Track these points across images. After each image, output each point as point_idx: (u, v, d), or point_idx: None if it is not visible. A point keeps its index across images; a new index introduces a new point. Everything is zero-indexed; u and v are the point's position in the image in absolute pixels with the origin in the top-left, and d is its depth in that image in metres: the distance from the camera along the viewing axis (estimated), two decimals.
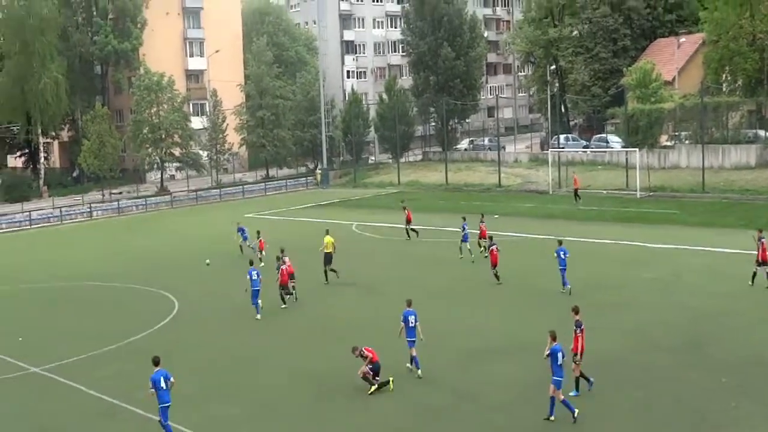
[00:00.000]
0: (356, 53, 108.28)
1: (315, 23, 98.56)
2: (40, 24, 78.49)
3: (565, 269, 30.86)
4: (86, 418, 21.31)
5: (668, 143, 65.91)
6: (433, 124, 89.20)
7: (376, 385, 21.41)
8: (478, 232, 38.51)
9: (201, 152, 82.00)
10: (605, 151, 68.72)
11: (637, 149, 59.64)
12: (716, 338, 24.74)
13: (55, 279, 39.76)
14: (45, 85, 77.79)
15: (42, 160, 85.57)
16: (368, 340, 22.63)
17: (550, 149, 67.83)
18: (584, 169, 65.86)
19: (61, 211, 65.64)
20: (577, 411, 18.91)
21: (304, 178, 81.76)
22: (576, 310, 20.63)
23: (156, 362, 19.13)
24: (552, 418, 18.99)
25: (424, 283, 33.81)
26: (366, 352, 21.53)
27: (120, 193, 77.30)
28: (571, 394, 20.19)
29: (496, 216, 50.81)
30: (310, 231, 48.63)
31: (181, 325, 29.82)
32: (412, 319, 22.53)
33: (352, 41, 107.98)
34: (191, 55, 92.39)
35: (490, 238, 34.33)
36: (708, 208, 50.45)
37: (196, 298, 33.77)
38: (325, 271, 34.78)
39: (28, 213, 65.19)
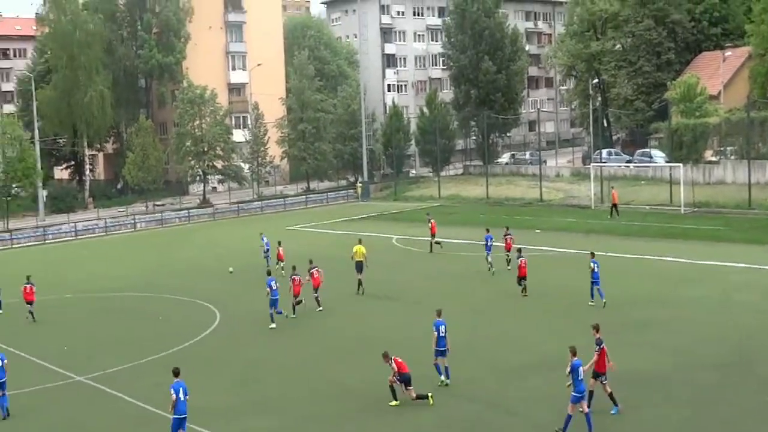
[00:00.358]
0: (397, 67, 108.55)
1: (356, 37, 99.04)
2: (87, 38, 79.92)
3: (596, 282, 30.80)
4: (126, 427, 21.54)
5: (713, 158, 64.95)
6: (474, 137, 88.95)
7: (397, 400, 21.33)
8: (504, 244, 39.05)
9: (243, 165, 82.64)
10: (648, 166, 67.98)
11: (681, 164, 58.87)
12: (765, 357, 24.28)
13: (100, 289, 40.26)
14: (91, 98, 79.08)
15: (87, 172, 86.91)
16: (403, 352, 22.51)
17: (592, 164, 67.25)
18: (627, 184, 65.19)
19: (105, 222, 66.54)
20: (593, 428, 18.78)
21: (345, 191, 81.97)
22: (597, 328, 20.44)
23: (176, 373, 19.46)
24: None
25: (462, 297, 33.70)
26: (394, 364, 21.31)
27: (163, 204, 78.17)
28: (612, 412, 20.00)
29: (538, 231, 50.60)
30: (349, 243, 48.71)
31: (222, 336, 30.01)
32: (442, 329, 22.68)
33: (393, 55, 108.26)
34: (233, 69, 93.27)
35: (518, 250, 34.32)
36: (754, 224, 49.56)
37: (237, 309, 33.96)
38: (358, 282, 35.36)
39: (73, 224, 66.18)
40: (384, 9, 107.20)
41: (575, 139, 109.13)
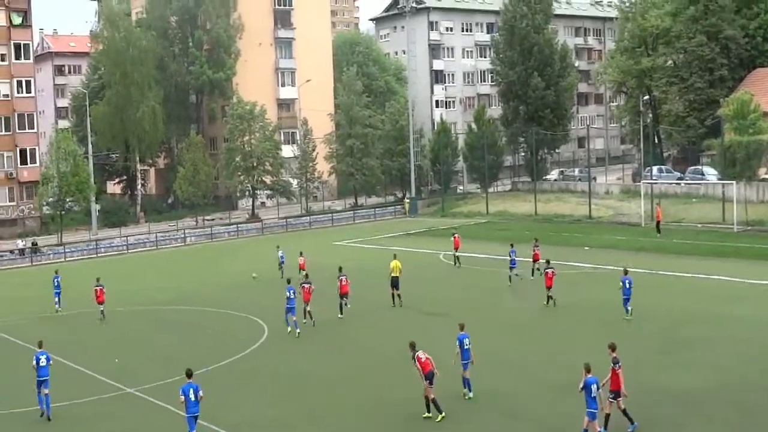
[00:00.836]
0: (445, 83, 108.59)
1: (404, 53, 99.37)
2: (139, 55, 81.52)
3: (628, 299, 31.35)
4: None
5: (767, 176, 63.81)
6: (523, 154, 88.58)
7: (432, 413, 21.43)
8: (532, 255, 40.45)
9: (291, 180, 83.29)
10: (700, 184, 67.00)
11: (734, 182, 57.91)
12: None
13: (151, 302, 40.81)
14: (143, 113, 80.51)
15: (139, 186, 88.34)
16: (444, 367, 22.41)
17: (642, 181, 66.46)
18: (678, 202, 64.31)
19: (156, 236, 67.49)
20: None
21: (392, 207, 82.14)
22: (613, 347, 20.37)
23: (189, 375, 20.29)
24: None
25: (507, 313, 33.64)
26: (418, 363, 21.49)
27: (212, 219, 79.08)
28: (629, 430, 19.80)
29: (587, 248, 50.11)
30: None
31: (270, 349, 30.21)
32: (466, 341, 23.13)
33: (442, 71, 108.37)
34: (283, 85, 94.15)
35: (547, 261, 35.38)
36: None
37: (284, 323, 34.10)
38: (392, 295, 36.17)
39: (125, 238, 67.21)
40: (433, 25, 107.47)
41: (625, 156, 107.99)
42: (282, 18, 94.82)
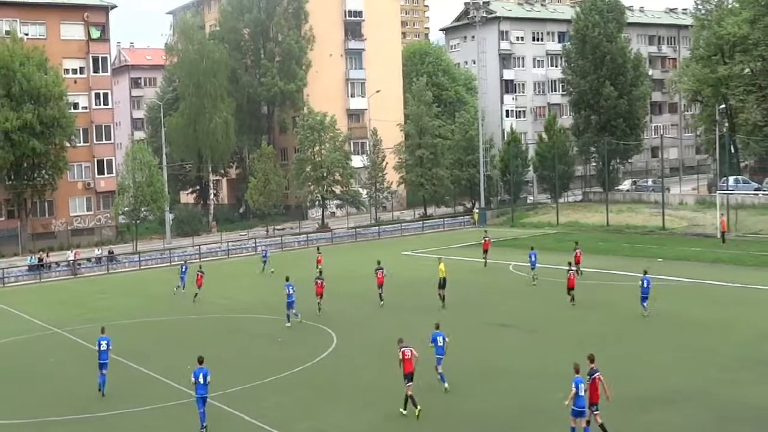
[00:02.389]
0: (516, 92, 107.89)
1: (474, 63, 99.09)
2: (212, 67, 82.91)
3: (645, 298, 34.05)
4: None
5: None
6: (594, 164, 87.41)
7: (408, 410, 22.92)
8: (573, 257, 43.37)
9: (361, 190, 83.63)
10: None
11: None
12: None
13: (222, 311, 41.35)
14: (216, 124, 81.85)
15: (211, 196, 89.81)
16: (517, 381, 22.19)
17: (718, 191, 64.97)
18: (756, 213, 62.74)
19: (228, 245, 68.35)
20: None
21: (462, 218, 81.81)
22: (591, 359, 20.65)
23: (200, 361, 23.01)
24: None
25: (577, 325, 33.08)
26: (402, 359, 23.05)
27: (283, 229, 79.81)
28: None
29: (660, 260, 49.16)
30: (464, 269, 48.87)
31: (339, 359, 30.28)
32: (440, 339, 25.36)
33: (512, 80, 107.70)
34: (353, 95, 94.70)
35: (569, 263, 38.79)
36: None
37: (354, 333, 34.25)
38: (440, 296, 38.69)
39: (198, 247, 68.25)
40: (503, 35, 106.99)
41: (700, 166, 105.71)
42: (352, 29, 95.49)
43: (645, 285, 34.07)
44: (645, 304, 34.07)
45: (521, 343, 31.28)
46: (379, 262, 40.11)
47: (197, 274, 44.16)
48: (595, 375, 20.14)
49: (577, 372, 20.19)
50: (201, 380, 22.56)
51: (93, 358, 27.44)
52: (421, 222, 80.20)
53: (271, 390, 26.52)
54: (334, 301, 41.77)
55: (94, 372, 27.51)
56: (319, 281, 38.51)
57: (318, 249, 49.58)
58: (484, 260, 51.20)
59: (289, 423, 22.94)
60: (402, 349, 23.33)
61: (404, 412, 23.07)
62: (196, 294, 43.56)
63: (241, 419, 23.70)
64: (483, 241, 52.41)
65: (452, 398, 24.69)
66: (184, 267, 48.56)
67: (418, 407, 22.63)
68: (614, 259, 50.71)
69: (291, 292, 35.86)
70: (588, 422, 20.02)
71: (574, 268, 38.29)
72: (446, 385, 25.03)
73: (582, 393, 19.72)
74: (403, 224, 78.43)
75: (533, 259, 43.74)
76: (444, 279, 38.88)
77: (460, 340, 32.05)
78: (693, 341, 30.05)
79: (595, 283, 42.91)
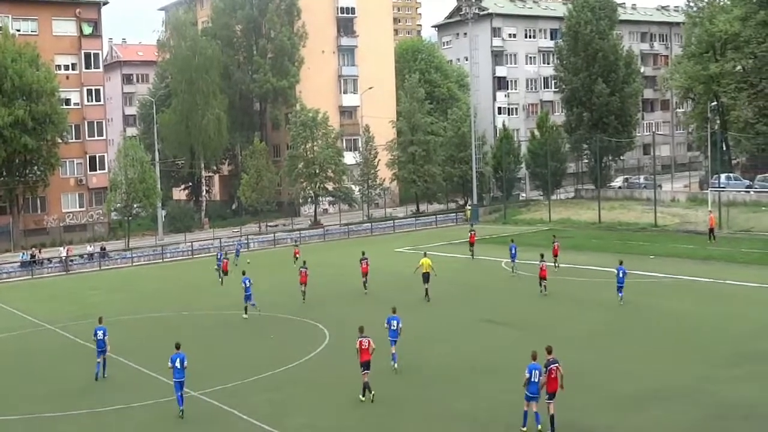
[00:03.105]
0: (508, 89, 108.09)
1: (467, 60, 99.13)
2: (205, 63, 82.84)
3: (621, 287, 35.36)
4: None
5: None
6: (586, 161, 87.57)
7: (366, 396, 24.17)
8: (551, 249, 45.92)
9: (353, 187, 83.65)
10: None
11: None
12: None
13: (214, 307, 41.35)
14: (208, 121, 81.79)
15: (204, 192, 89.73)
16: (506, 377, 22.25)
17: (710, 188, 65.19)
18: (747, 210, 62.99)
19: (220, 242, 68.31)
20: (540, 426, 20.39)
21: (454, 214, 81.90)
22: (549, 350, 21.15)
23: (177, 347, 24.12)
24: (524, 429, 20.68)
25: (569, 322, 33.16)
26: (359, 348, 24.14)
27: (275, 225, 79.77)
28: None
29: (652, 257, 49.33)
30: (455, 267, 49.02)
31: (332, 356, 30.31)
32: (394, 323, 27.00)
33: (504, 77, 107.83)
34: (345, 92, 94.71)
35: (541, 255, 40.30)
36: None
37: (346, 330, 34.17)
38: (425, 290, 39.59)
39: (190, 243, 68.21)
40: (495, 32, 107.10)
41: (692, 163, 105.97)
42: (345, 26, 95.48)
43: (620, 275, 35.28)
44: (621, 294, 35.40)
45: (511, 341, 31.32)
46: (363, 253, 42.89)
47: (300, 271, 42.08)
48: (552, 366, 20.75)
49: (534, 359, 20.93)
50: (178, 365, 23.55)
51: (85, 354, 27.53)
52: (413, 219, 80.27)
53: (264, 386, 26.55)
54: (326, 297, 41.88)
55: (86, 368, 27.52)
56: (302, 270, 40.94)
57: (296, 243, 53.52)
58: (471, 253, 53.27)
59: (281, 419, 22.98)
60: (360, 339, 24.34)
61: (363, 399, 24.11)
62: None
63: (233, 415, 23.72)
64: (469, 235, 54.75)
65: (443, 396, 24.76)
66: (220, 254, 51.97)
67: (372, 392, 23.97)
68: (606, 256, 50.80)
69: (248, 285, 37.41)
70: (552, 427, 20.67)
71: (546, 261, 40.06)
72: (396, 365, 26.86)
73: (535, 379, 20.57)
74: (395, 221, 78.43)
75: (513, 251, 45.64)
76: (427, 274, 39.69)
77: (450, 336, 32.27)
78: (684, 338, 30.17)
79: (586, 280, 43.07)
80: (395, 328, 26.98)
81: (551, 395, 20.67)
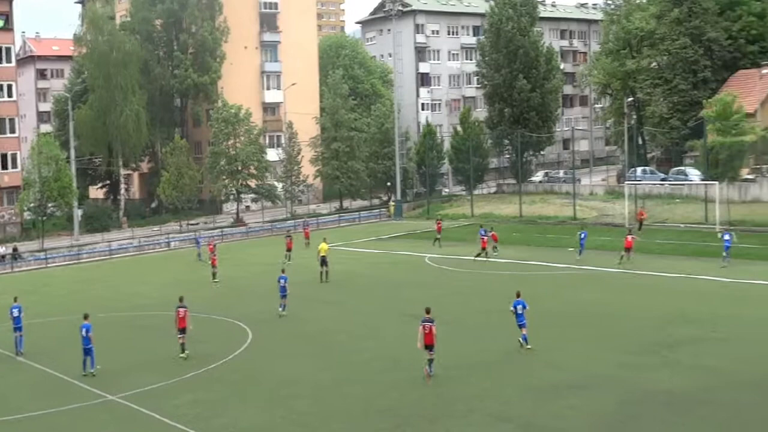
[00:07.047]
0: (431, 85, 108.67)
1: (390, 56, 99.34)
2: (123, 58, 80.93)
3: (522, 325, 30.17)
4: None
5: (750, 176, 64.10)
6: (508, 156, 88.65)
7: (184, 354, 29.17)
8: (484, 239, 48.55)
9: (276, 184, 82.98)
10: (683, 184, 67.19)
11: (716, 182, 58.19)
12: None
13: (133, 308, 40.49)
14: (126, 117, 79.96)
15: (122, 191, 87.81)
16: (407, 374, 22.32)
17: (626, 182, 66.68)
18: (662, 203, 64.59)
19: (139, 241, 67.04)
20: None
21: (378, 210, 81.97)
22: (427, 311, 25.36)
23: (85, 317, 27.80)
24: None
25: (493, 314, 33.41)
26: (175, 314, 29.02)
27: (197, 223, 78.57)
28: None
29: (571, 249, 50.11)
30: (379, 263, 49.03)
31: (255, 354, 29.99)
32: (519, 307, 28.13)
33: (427, 73, 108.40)
34: (268, 88, 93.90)
35: (480, 225, 50.10)
36: None
37: (269, 328, 33.98)
38: (320, 273, 43.58)
39: (108, 243, 66.75)
40: (419, 28, 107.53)
41: (610, 158, 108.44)
42: (268, 21, 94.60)
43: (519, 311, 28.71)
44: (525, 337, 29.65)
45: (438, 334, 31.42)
46: (288, 231, 47.51)
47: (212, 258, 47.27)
48: (427, 324, 24.85)
49: (518, 297, 27.95)
50: (84, 334, 27.10)
51: None
52: (337, 215, 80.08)
53: (187, 388, 26.06)
54: (248, 296, 41.46)
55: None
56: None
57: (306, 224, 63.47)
58: (437, 240, 55.77)
59: (205, 420, 22.59)
60: (177, 309, 29.22)
61: (183, 356, 28.95)
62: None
63: (154, 419, 23.19)
64: (437, 224, 59.01)
65: (367, 391, 24.70)
66: (199, 245, 55.50)
67: (187, 352, 28.93)
68: (527, 250, 51.54)
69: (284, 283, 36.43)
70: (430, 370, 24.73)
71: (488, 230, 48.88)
72: (528, 345, 27.96)
73: (520, 312, 27.77)
74: (319, 218, 78.12)
75: (483, 236, 48.54)
76: (324, 257, 43.71)
77: (375, 332, 32.22)
78: (602, 328, 30.75)
79: (508, 273, 43.51)
80: (521, 311, 28.00)
81: (430, 347, 24.76)
